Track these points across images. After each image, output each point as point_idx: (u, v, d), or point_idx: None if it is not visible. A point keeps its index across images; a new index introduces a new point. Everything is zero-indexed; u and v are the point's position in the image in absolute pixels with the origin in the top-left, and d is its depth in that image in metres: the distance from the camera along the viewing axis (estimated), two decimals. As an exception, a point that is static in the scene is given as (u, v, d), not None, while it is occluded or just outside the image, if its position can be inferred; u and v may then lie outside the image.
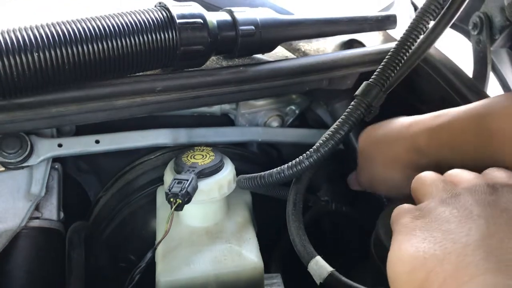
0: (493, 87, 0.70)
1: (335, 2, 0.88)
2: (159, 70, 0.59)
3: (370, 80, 0.53)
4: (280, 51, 0.70)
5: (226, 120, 0.78)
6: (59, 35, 0.48)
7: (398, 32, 0.71)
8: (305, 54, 0.72)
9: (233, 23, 0.59)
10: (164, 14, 0.54)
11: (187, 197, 0.51)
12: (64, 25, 0.49)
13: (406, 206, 0.40)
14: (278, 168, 0.53)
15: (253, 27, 0.59)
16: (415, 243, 0.34)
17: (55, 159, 0.68)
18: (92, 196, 0.83)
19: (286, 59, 0.66)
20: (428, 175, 0.42)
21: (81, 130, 0.71)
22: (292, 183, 0.57)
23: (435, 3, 0.52)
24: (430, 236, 0.34)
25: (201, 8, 0.57)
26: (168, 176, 0.57)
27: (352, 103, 0.53)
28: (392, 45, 0.54)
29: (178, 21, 0.53)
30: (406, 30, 0.53)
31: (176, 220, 0.57)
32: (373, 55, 0.66)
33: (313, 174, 0.59)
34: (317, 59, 0.64)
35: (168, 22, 0.53)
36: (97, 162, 0.80)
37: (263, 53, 0.65)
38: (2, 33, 0.47)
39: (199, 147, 0.61)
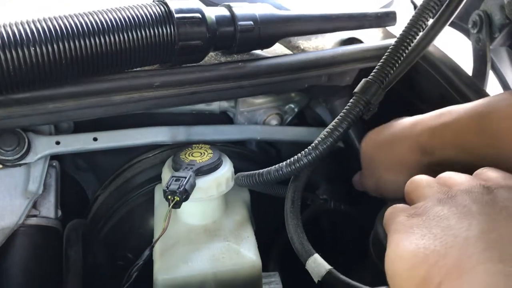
0: (492, 86, 0.70)
1: (334, -1, 0.87)
2: (157, 65, 0.59)
3: (369, 77, 0.53)
4: (278, 49, 0.69)
5: (224, 118, 0.78)
6: (56, 29, 0.48)
7: (397, 29, 0.71)
8: (304, 51, 0.71)
9: (232, 19, 0.58)
10: (162, 9, 0.53)
11: (185, 195, 0.51)
12: (61, 20, 0.49)
13: (400, 205, 0.40)
14: (277, 165, 0.53)
15: (251, 23, 0.59)
16: (414, 240, 0.34)
17: (53, 157, 0.68)
18: (90, 194, 0.83)
19: (285, 55, 0.66)
20: (422, 178, 0.42)
21: (79, 128, 0.70)
22: (290, 181, 0.57)
23: (435, 0, 0.52)
24: (429, 233, 0.34)
25: (200, 3, 0.57)
26: (166, 174, 0.57)
27: (351, 100, 0.53)
28: (392, 41, 0.54)
29: (176, 15, 0.53)
30: (405, 27, 0.53)
31: (174, 218, 0.57)
32: (373, 51, 0.66)
33: (311, 172, 0.58)
34: (316, 55, 0.64)
35: (166, 16, 0.53)
36: (95, 160, 0.80)
37: (261, 49, 0.64)
38: (-1, 28, 0.46)
39: (197, 145, 0.61)
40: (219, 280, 0.52)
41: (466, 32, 0.71)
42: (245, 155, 0.73)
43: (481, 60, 0.66)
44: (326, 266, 0.47)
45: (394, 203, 0.42)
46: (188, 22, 0.54)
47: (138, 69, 0.57)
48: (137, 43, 0.52)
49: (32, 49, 0.47)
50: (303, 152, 0.52)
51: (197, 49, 0.57)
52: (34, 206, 0.65)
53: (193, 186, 0.52)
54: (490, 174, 0.39)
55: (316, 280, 0.47)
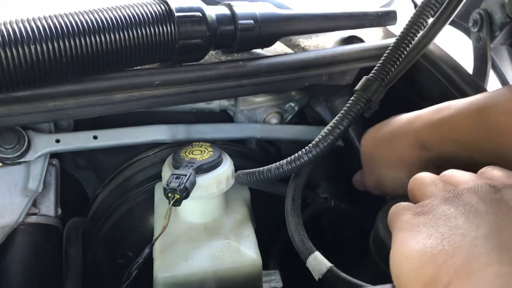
0: (493, 85, 0.70)
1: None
2: (157, 64, 0.59)
3: (370, 75, 0.53)
4: (279, 47, 0.69)
5: (225, 117, 0.77)
6: (57, 27, 0.48)
7: (398, 28, 0.71)
8: (304, 50, 0.71)
9: (232, 17, 0.58)
10: (163, 7, 0.53)
11: (185, 193, 0.51)
12: (62, 18, 0.49)
13: (405, 203, 0.40)
14: (277, 163, 0.53)
15: (252, 22, 0.59)
16: (421, 239, 0.34)
17: (53, 155, 0.68)
18: (90, 193, 0.82)
19: (286, 54, 0.66)
20: (426, 175, 0.41)
21: (79, 126, 0.70)
22: (291, 179, 0.57)
23: (435, -2, 0.52)
24: (436, 232, 0.33)
25: (200, 2, 0.57)
26: (166, 172, 0.57)
27: (352, 98, 0.53)
28: (392, 41, 0.54)
29: (176, 14, 0.53)
30: (406, 25, 0.53)
31: (174, 216, 0.57)
32: (373, 51, 0.66)
33: (312, 172, 0.58)
34: (316, 54, 0.64)
35: (166, 15, 0.53)
36: (95, 159, 0.80)
37: (262, 47, 0.64)
38: (-1, 25, 0.46)
39: (198, 143, 0.61)
40: (219, 278, 0.52)
41: (467, 31, 0.71)
42: (245, 153, 0.73)
43: (482, 59, 0.66)
44: (326, 264, 0.47)
45: (396, 201, 0.42)
46: (188, 21, 0.54)
47: (138, 67, 0.57)
48: (137, 42, 0.52)
49: (32, 47, 0.47)
50: (303, 149, 0.52)
51: (198, 47, 0.56)
52: (34, 204, 0.65)
53: (193, 184, 0.52)
54: (494, 173, 0.39)
55: (316, 278, 0.47)
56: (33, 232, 0.64)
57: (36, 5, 0.70)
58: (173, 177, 0.52)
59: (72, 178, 0.80)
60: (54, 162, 0.69)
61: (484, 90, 0.64)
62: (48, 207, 0.67)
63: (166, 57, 0.56)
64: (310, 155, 0.51)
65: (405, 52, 0.52)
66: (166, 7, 0.54)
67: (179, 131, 0.69)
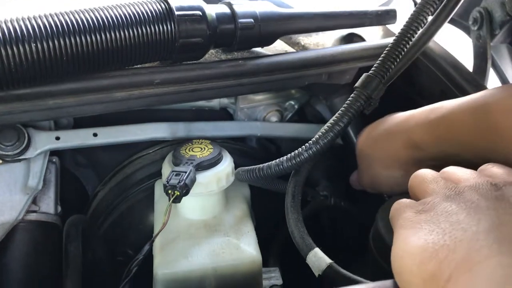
0: (493, 83, 0.70)
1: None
2: (157, 62, 0.59)
3: (370, 72, 0.53)
4: (279, 45, 0.70)
5: (225, 115, 0.78)
6: (57, 25, 0.48)
7: (397, 27, 0.71)
8: (304, 48, 0.71)
9: (232, 16, 0.58)
10: (163, 6, 0.53)
11: (185, 189, 0.51)
12: (62, 16, 0.49)
13: (406, 200, 0.40)
14: (277, 160, 0.53)
15: (252, 20, 0.59)
16: (423, 236, 0.34)
17: (53, 153, 0.68)
18: (90, 191, 0.83)
19: (285, 53, 0.66)
20: (427, 173, 0.41)
21: (79, 124, 0.70)
22: (291, 175, 0.57)
23: (435, -5, 0.52)
24: (438, 228, 0.33)
25: (200, 0, 0.57)
26: (166, 169, 0.57)
27: (352, 95, 0.53)
28: (392, 40, 0.54)
29: (176, 13, 0.53)
30: (406, 22, 0.53)
31: (174, 213, 0.57)
32: (373, 50, 0.66)
33: (312, 170, 0.58)
34: (316, 53, 0.64)
35: (166, 14, 0.53)
36: (95, 156, 0.80)
37: (262, 46, 0.65)
38: (-1, 23, 0.47)
39: (198, 140, 0.61)
40: (219, 275, 0.52)
41: (467, 30, 0.71)
42: (245, 151, 0.73)
43: (482, 57, 0.67)
44: (326, 260, 0.47)
45: (398, 198, 0.42)
46: (188, 20, 0.54)
47: (138, 66, 0.57)
48: (137, 40, 0.52)
49: (33, 45, 0.47)
50: (303, 146, 0.52)
51: (198, 46, 0.57)
52: (34, 201, 0.65)
53: (193, 180, 0.52)
54: (495, 170, 0.39)
55: (316, 274, 0.47)
56: (33, 230, 0.64)
57: (37, 4, 0.70)
58: (173, 174, 0.52)
59: (72, 176, 0.80)
60: (54, 160, 0.69)
61: (484, 87, 0.64)
62: (48, 205, 0.67)
63: (166, 56, 0.56)
64: (310, 152, 0.51)
65: (405, 49, 0.52)
66: (166, 6, 0.54)
67: (179, 129, 0.69)
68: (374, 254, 0.50)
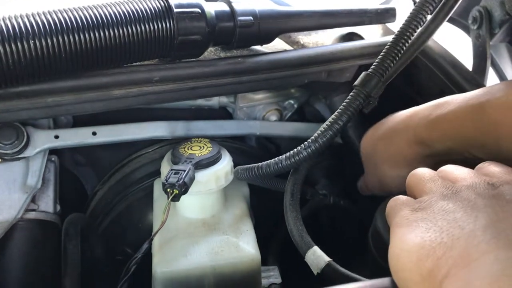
0: (492, 82, 0.70)
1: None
2: (156, 60, 0.59)
3: (369, 70, 0.53)
4: (278, 44, 0.69)
5: (224, 114, 0.78)
6: (56, 23, 0.48)
7: (397, 25, 0.71)
8: (303, 47, 0.71)
9: (231, 14, 0.58)
10: (162, 3, 0.53)
11: (184, 188, 0.50)
12: (61, 13, 0.49)
13: (403, 198, 0.40)
14: (276, 158, 0.53)
15: (251, 18, 0.59)
16: (420, 234, 0.34)
17: (52, 152, 0.68)
18: (89, 190, 0.82)
19: (285, 50, 0.66)
20: (425, 171, 0.41)
21: (79, 123, 0.70)
22: (290, 174, 0.57)
23: (434, -7, 0.52)
24: (435, 226, 0.33)
25: (199, -2, 0.57)
26: (165, 167, 0.56)
27: (351, 93, 0.53)
28: (391, 38, 0.53)
29: (175, 10, 0.53)
30: (405, 21, 0.53)
31: (173, 211, 0.57)
32: (372, 48, 0.66)
33: (311, 169, 0.58)
34: (316, 51, 0.64)
35: (165, 11, 0.53)
36: (94, 155, 0.80)
37: (261, 44, 0.64)
38: (-2, 20, 0.46)
39: (197, 139, 0.61)
40: (218, 274, 0.52)
41: (466, 29, 0.71)
42: (244, 150, 0.73)
43: (481, 56, 0.67)
44: (325, 258, 0.47)
45: (395, 194, 0.42)
46: (187, 17, 0.54)
47: (137, 63, 0.57)
48: (136, 38, 0.52)
49: (31, 42, 0.47)
50: (302, 145, 0.52)
51: (197, 44, 0.57)
52: (33, 200, 0.65)
53: (192, 179, 0.52)
54: (492, 168, 0.39)
55: (315, 273, 0.47)
56: (32, 228, 0.64)
57: (36, 4, 0.70)
58: (172, 172, 0.52)
59: (71, 175, 0.80)
60: (53, 159, 0.69)
61: (484, 86, 0.64)
62: (47, 203, 0.67)
63: (165, 53, 0.56)
64: (309, 150, 0.51)
65: (404, 48, 0.52)
66: (165, 3, 0.54)
67: (178, 128, 0.69)
68: (373, 253, 0.50)
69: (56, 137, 0.65)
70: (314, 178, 0.70)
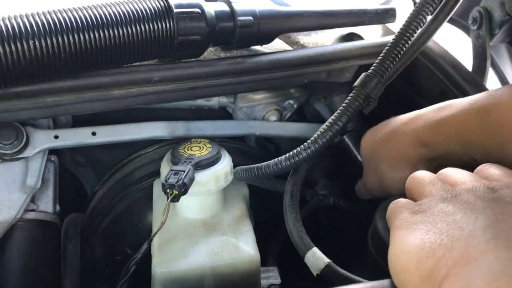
0: (492, 83, 0.70)
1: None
2: (156, 60, 0.59)
3: (369, 71, 0.53)
4: (278, 44, 0.69)
5: (224, 114, 0.77)
6: (55, 23, 0.48)
7: (397, 26, 0.71)
8: (303, 47, 0.71)
9: (231, 14, 0.58)
10: (162, 3, 0.53)
11: (184, 188, 0.50)
12: (61, 13, 0.49)
13: (403, 200, 0.40)
14: (276, 159, 0.53)
15: (251, 18, 0.59)
16: (419, 235, 0.34)
17: (52, 152, 0.68)
18: (89, 190, 0.82)
19: (285, 51, 0.66)
20: (424, 174, 0.42)
21: (78, 123, 0.70)
22: (289, 175, 0.57)
23: (435, -6, 0.52)
24: (434, 228, 0.34)
25: (199, -2, 0.57)
26: (165, 168, 0.56)
27: (351, 94, 0.52)
28: (391, 38, 0.53)
29: (175, 10, 0.53)
30: (405, 22, 0.53)
31: (172, 212, 0.57)
32: (372, 48, 0.66)
33: (311, 169, 0.58)
34: (315, 51, 0.64)
35: (165, 11, 0.53)
36: (94, 156, 0.80)
37: (261, 44, 0.64)
38: (-2, 21, 0.46)
39: (196, 139, 0.61)
40: (217, 274, 0.52)
41: (466, 29, 0.71)
42: (244, 150, 0.73)
43: (481, 57, 0.66)
44: (325, 260, 0.47)
45: (395, 198, 0.42)
46: (187, 17, 0.54)
47: (137, 63, 0.57)
48: (136, 38, 0.52)
49: (31, 42, 0.47)
50: (302, 146, 0.52)
51: (197, 44, 0.57)
52: (33, 200, 0.65)
53: (192, 179, 0.52)
54: (492, 171, 0.39)
55: (315, 274, 0.47)
56: (31, 228, 0.64)
57: (36, 4, 0.70)
58: (171, 173, 0.52)
59: (71, 175, 0.80)
60: (52, 159, 0.69)
61: (484, 87, 0.64)
62: (47, 204, 0.67)
63: (165, 54, 0.56)
64: (309, 151, 0.51)
65: (404, 49, 0.52)
66: (165, 3, 0.54)
67: (178, 128, 0.69)
68: (373, 254, 0.50)
69: (56, 137, 0.64)
70: (314, 179, 0.70)
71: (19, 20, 0.47)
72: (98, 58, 0.51)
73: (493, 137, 0.45)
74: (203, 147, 0.58)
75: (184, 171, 0.52)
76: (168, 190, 0.50)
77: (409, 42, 0.53)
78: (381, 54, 0.53)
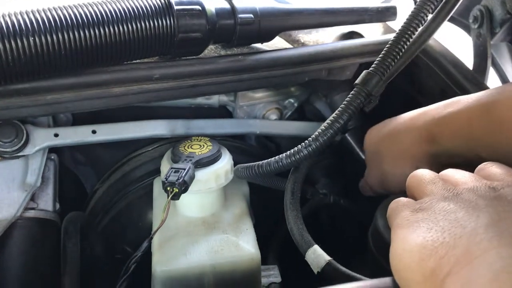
0: (493, 81, 0.70)
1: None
2: (156, 57, 0.59)
3: (370, 69, 0.53)
4: (278, 43, 0.69)
5: (224, 112, 0.77)
6: (56, 20, 0.48)
7: (398, 24, 0.71)
8: (304, 45, 0.71)
9: (232, 11, 0.58)
10: (162, 1, 0.53)
11: (184, 186, 0.50)
12: (61, 10, 0.49)
13: (404, 199, 0.40)
14: (276, 157, 0.53)
15: (251, 16, 0.59)
16: (421, 234, 0.34)
17: (52, 150, 0.68)
18: (89, 188, 0.82)
19: (285, 48, 0.66)
20: (425, 173, 0.41)
21: (78, 121, 0.70)
22: (290, 173, 0.57)
23: (436, -8, 0.52)
24: (436, 226, 0.33)
25: (200, -5, 0.57)
26: (165, 166, 0.56)
27: (352, 92, 0.52)
28: (392, 36, 0.53)
29: (176, 7, 0.53)
30: (406, 19, 0.53)
31: (172, 210, 0.56)
32: (373, 46, 0.66)
33: (311, 167, 0.58)
34: (316, 49, 0.64)
35: (166, 8, 0.53)
36: (94, 154, 0.80)
37: (261, 42, 0.64)
38: (-2, 17, 0.46)
39: (197, 137, 0.61)
40: (217, 273, 0.51)
41: (467, 28, 0.71)
42: (244, 149, 0.73)
43: (482, 56, 0.66)
44: (325, 257, 0.47)
45: (396, 196, 0.42)
46: (188, 14, 0.54)
47: (137, 61, 0.57)
48: (136, 35, 0.52)
49: (31, 39, 0.47)
50: (303, 143, 0.51)
51: (197, 41, 0.56)
52: (32, 198, 0.65)
53: (192, 178, 0.52)
54: (494, 170, 0.39)
55: (315, 271, 0.47)
56: (31, 227, 0.64)
57: (36, 4, 0.70)
58: (172, 171, 0.52)
59: (71, 173, 0.80)
60: (52, 157, 0.69)
61: (485, 86, 0.64)
62: (46, 202, 0.66)
63: (165, 51, 0.56)
64: (310, 149, 0.51)
65: (406, 47, 0.52)
66: (166, 0, 0.53)
67: (178, 126, 0.69)
68: (373, 252, 0.50)
69: (56, 135, 0.64)
70: (315, 177, 0.70)
71: (19, 17, 0.47)
72: (98, 56, 0.51)
73: (497, 134, 0.45)
74: (203, 145, 0.58)
75: (184, 169, 0.52)
76: (168, 188, 0.50)
77: (410, 40, 0.52)
78: (383, 52, 0.52)
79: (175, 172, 0.51)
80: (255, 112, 0.76)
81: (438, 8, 0.54)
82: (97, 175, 0.81)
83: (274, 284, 0.56)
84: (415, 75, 0.70)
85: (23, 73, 0.49)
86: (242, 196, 0.62)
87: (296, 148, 0.52)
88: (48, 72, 0.50)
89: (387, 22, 0.76)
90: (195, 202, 0.56)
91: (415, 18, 0.52)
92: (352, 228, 0.73)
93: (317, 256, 0.47)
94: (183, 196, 0.51)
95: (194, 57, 0.60)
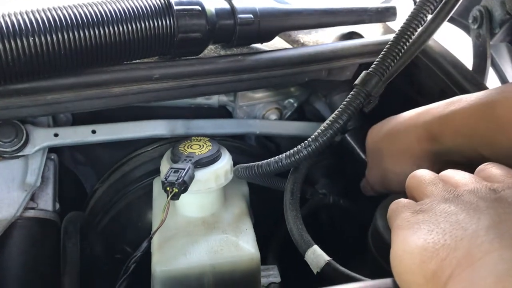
0: (492, 82, 0.70)
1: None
2: (156, 57, 0.59)
3: (370, 69, 0.53)
4: (278, 43, 0.69)
5: (224, 113, 0.77)
6: (55, 20, 0.48)
7: (398, 24, 0.71)
8: (304, 45, 0.71)
9: (232, 11, 0.58)
10: (162, 1, 0.53)
11: (184, 186, 0.50)
12: (61, 10, 0.49)
13: (404, 200, 0.40)
14: (276, 157, 0.53)
15: (251, 16, 0.59)
16: (422, 235, 0.34)
17: (51, 150, 0.68)
18: (89, 188, 0.82)
19: (285, 48, 0.66)
20: (425, 173, 0.41)
21: (78, 121, 0.70)
22: (290, 173, 0.57)
23: (435, -7, 0.52)
24: (437, 228, 0.33)
25: (199, -5, 0.57)
26: (165, 166, 0.56)
27: (352, 92, 0.52)
28: (392, 36, 0.53)
29: (175, 7, 0.53)
30: (406, 20, 0.53)
31: (172, 210, 0.56)
32: (373, 46, 0.66)
33: (311, 168, 0.58)
34: (316, 49, 0.64)
35: (165, 8, 0.53)
36: (94, 154, 0.80)
37: (261, 42, 0.64)
38: (-2, 17, 0.46)
39: (197, 137, 0.61)
40: (217, 273, 0.51)
41: (466, 29, 0.71)
42: (243, 149, 0.73)
43: (481, 56, 0.66)
44: (325, 257, 0.47)
45: (396, 196, 0.42)
46: (187, 14, 0.54)
47: (137, 61, 0.57)
48: (136, 35, 0.52)
49: (31, 39, 0.47)
50: (302, 144, 0.51)
51: (197, 41, 0.56)
52: (32, 198, 0.65)
53: (191, 178, 0.52)
54: (494, 171, 0.39)
55: (315, 272, 0.47)
56: (31, 226, 0.64)
57: (36, 4, 0.70)
58: (171, 171, 0.52)
59: (71, 173, 0.80)
60: (52, 157, 0.69)
61: (484, 86, 0.64)
62: (46, 202, 0.66)
63: (165, 51, 0.56)
64: (309, 149, 0.51)
65: (405, 47, 0.52)
66: (165, 1, 0.53)
67: (178, 126, 0.69)
68: (373, 252, 0.50)
69: (56, 135, 0.64)
70: (314, 177, 0.70)
71: (19, 17, 0.47)
72: (98, 55, 0.51)
73: (500, 133, 0.44)
74: (203, 145, 0.58)
75: (184, 169, 0.52)
76: (168, 188, 0.50)
77: (410, 40, 0.52)
78: (382, 52, 0.52)
79: (174, 172, 0.52)
80: (255, 112, 0.76)
81: (437, 9, 0.54)
82: (97, 175, 0.81)
83: (273, 284, 0.56)
84: (414, 75, 0.70)
85: (23, 73, 0.49)
86: (242, 196, 0.62)
87: (295, 149, 0.52)
88: (48, 72, 0.50)
89: (386, 23, 0.76)
90: (195, 202, 0.56)
91: (414, 18, 0.52)
92: (352, 228, 0.73)
93: (317, 256, 0.47)
94: (182, 196, 0.51)
95: (194, 57, 0.60)
